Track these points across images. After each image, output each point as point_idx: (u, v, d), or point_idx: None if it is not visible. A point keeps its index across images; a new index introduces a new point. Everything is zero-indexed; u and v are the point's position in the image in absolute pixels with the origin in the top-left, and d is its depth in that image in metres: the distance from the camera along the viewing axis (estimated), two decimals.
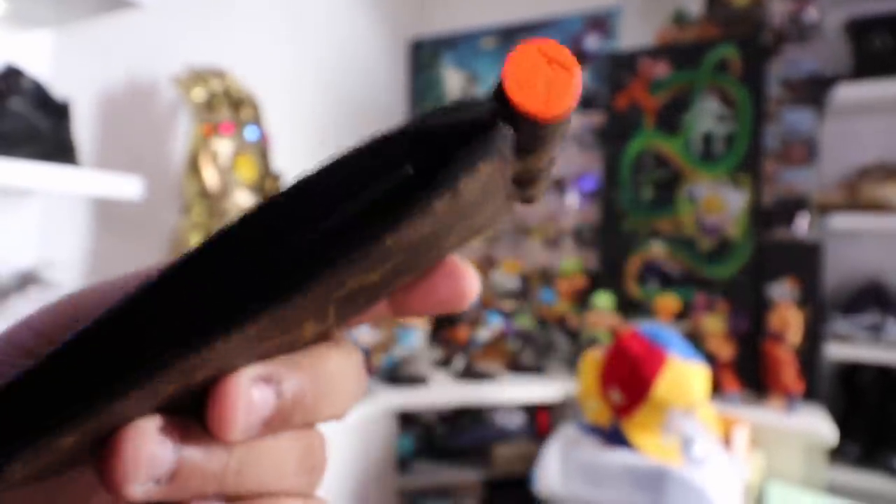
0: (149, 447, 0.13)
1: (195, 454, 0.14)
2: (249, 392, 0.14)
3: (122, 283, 0.17)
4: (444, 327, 1.76)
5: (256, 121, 1.26)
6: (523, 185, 0.15)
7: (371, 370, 1.47)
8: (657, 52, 1.65)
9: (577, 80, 0.13)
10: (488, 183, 0.13)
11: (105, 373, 0.13)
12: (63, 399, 0.12)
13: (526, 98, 0.12)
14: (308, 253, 0.13)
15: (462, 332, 1.62)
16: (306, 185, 0.13)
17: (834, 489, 1.32)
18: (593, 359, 1.26)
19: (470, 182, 0.12)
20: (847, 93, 1.44)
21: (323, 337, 0.16)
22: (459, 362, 1.58)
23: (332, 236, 0.13)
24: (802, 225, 1.50)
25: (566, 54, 0.13)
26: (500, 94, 0.13)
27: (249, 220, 0.13)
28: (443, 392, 1.42)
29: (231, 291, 0.13)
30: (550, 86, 0.12)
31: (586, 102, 1.96)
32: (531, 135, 0.13)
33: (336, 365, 0.16)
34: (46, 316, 0.17)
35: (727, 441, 1.23)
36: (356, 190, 0.13)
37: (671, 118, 1.61)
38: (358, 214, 0.13)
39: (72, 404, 0.12)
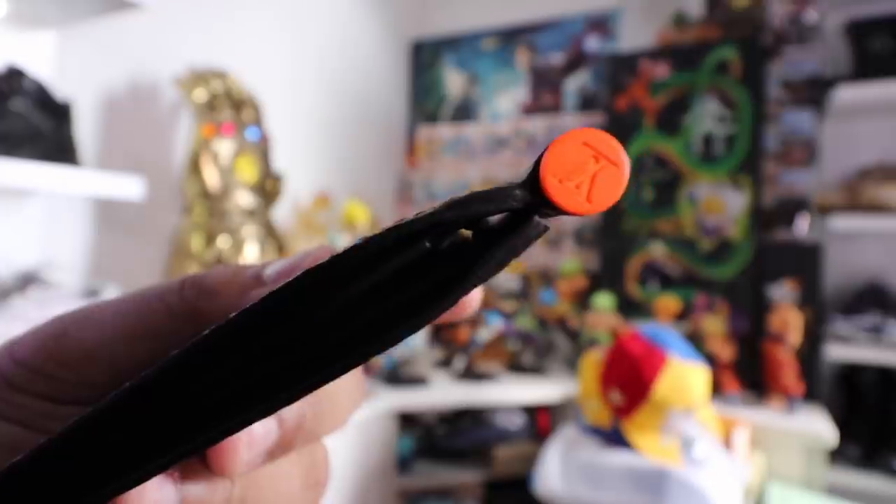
0: (151, 495, 0.12)
1: (198, 491, 0.13)
2: (251, 426, 0.13)
3: (107, 308, 0.16)
4: (444, 328, 1.77)
5: (257, 121, 1.26)
6: None
7: (371, 371, 1.47)
8: (657, 54, 1.65)
9: (626, 175, 0.12)
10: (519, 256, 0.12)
11: (141, 455, 0.12)
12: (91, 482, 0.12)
13: (566, 196, 0.11)
14: (336, 348, 0.12)
15: (462, 333, 1.62)
16: (323, 270, 0.12)
17: (834, 490, 1.32)
18: (593, 359, 1.27)
19: (496, 273, 0.12)
20: (847, 94, 1.45)
21: None
22: (460, 363, 1.58)
23: (356, 332, 0.12)
24: (802, 226, 1.50)
25: (615, 147, 0.11)
26: (535, 184, 0.12)
27: (272, 300, 0.12)
28: (443, 393, 1.42)
29: (261, 377, 0.12)
30: (594, 182, 0.11)
31: (586, 103, 1.97)
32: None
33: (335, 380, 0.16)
34: (29, 345, 0.15)
35: (727, 442, 1.23)
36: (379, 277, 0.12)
37: (671, 119, 1.61)
38: (383, 307, 0.12)
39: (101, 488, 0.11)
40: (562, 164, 0.11)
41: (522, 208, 0.12)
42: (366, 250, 0.12)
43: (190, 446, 0.12)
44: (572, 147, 0.11)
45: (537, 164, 0.12)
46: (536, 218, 0.12)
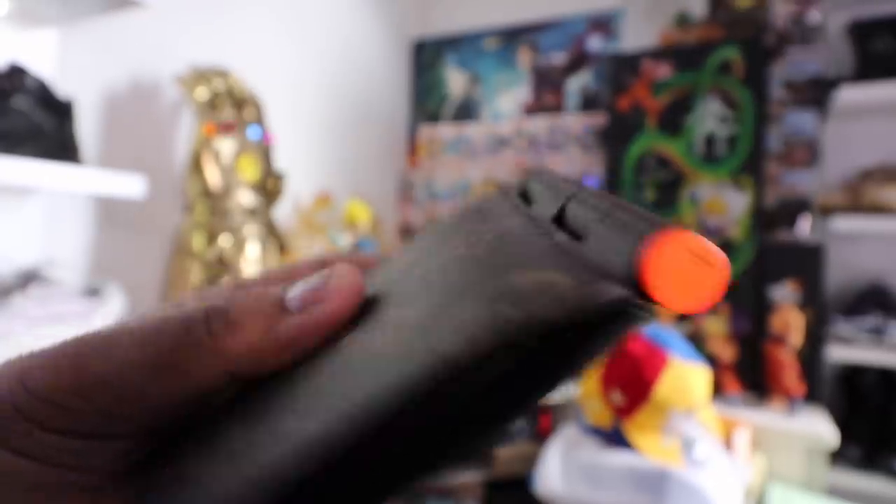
0: None
1: None
2: None
3: (124, 335, 0.15)
4: None
5: (259, 120, 1.26)
6: None
7: None
8: (660, 54, 1.65)
9: (725, 280, 0.12)
10: None
11: None
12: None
13: (668, 297, 0.11)
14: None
15: None
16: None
17: (835, 491, 1.32)
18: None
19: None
20: (850, 95, 1.44)
21: None
22: None
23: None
24: (804, 227, 1.50)
25: (716, 254, 0.12)
26: (634, 282, 0.11)
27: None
28: None
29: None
30: (696, 286, 0.11)
31: (588, 103, 1.96)
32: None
33: None
34: (42, 372, 0.14)
35: (728, 443, 1.23)
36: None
37: (673, 119, 1.61)
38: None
39: None
40: (664, 267, 0.11)
41: (627, 307, 0.11)
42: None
43: None
44: (675, 252, 0.12)
45: (632, 263, 0.12)
46: (640, 314, 0.11)
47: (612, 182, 1.69)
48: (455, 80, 2.19)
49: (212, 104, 1.18)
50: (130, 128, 1.23)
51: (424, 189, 2.12)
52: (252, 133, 1.23)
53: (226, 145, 1.18)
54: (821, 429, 1.25)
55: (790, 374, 1.34)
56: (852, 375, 1.50)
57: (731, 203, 1.53)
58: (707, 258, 0.12)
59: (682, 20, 1.71)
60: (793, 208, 1.51)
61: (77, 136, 0.96)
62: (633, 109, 1.66)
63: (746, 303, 1.49)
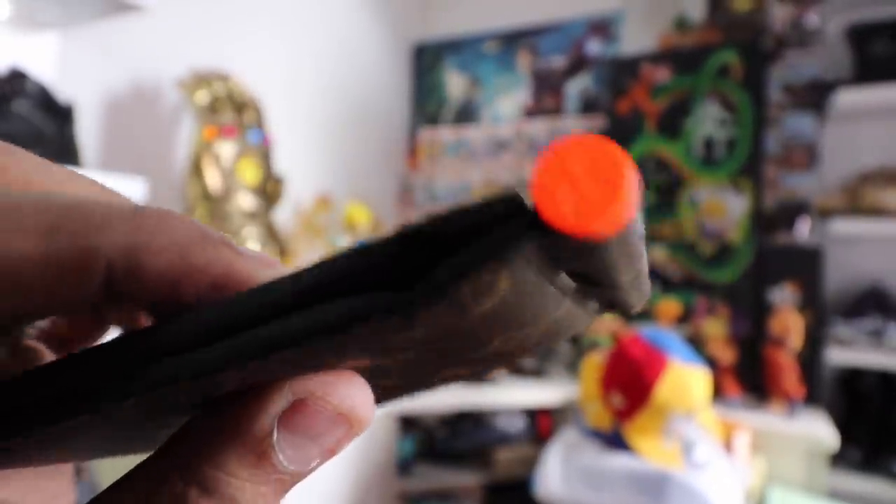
0: None
1: None
2: None
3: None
4: None
5: (259, 124, 1.26)
6: (605, 301, 0.12)
7: None
8: (659, 57, 1.65)
9: (625, 196, 0.10)
10: (518, 295, 0.10)
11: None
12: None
13: (553, 212, 0.10)
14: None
15: None
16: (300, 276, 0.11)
17: (835, 494, 1.31)
18: (594, 363, 1.27)
19: (476, 294, 0.10)
20: (848, 98, 1.45)
21: None
22: None
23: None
24: (803, 229, 1.50)
25: (611, 167, 0.10)
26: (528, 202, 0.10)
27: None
28: (444, 395, 1.42)
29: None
30: (586, 199, 0.10)
31: (588, 106, 1.97)
32: (579, 255, 0.10)
33: None
34: None
35: (728, 445, 1.23)
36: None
37: (672, 123, 1.61)
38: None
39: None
40: (551, 176, 0.10)
41: (511, 225, 0.10)
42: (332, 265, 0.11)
43: None
44: (561, 159, 0.10)
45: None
46: (525, 236, 0.10)
47: None
48: (455, 83, 2.20)
49: (212, 108, 1.18)
50: (131, 131, 1.23)
51: (424, 191, 2.13)
52: (252, 136, 1.23)
53: (226, 149, 1.18)
54: (820, 431, 1.25)
55: (790, 377, 1.34)
56: (852, 378, 1.50)
57: (730, 206, 1.54)
58: (599, 171, 0.10)
59: (681, 23, 1.71)
60: (792, 211, 1.52)
61: (77, 140, 0.97)
62: (632, 112, 1.66)
63: (746, 305, 1.49)
